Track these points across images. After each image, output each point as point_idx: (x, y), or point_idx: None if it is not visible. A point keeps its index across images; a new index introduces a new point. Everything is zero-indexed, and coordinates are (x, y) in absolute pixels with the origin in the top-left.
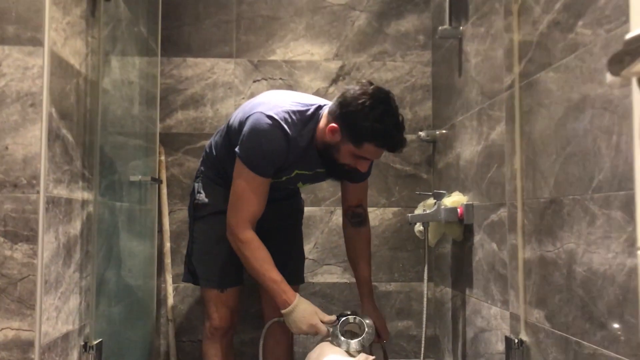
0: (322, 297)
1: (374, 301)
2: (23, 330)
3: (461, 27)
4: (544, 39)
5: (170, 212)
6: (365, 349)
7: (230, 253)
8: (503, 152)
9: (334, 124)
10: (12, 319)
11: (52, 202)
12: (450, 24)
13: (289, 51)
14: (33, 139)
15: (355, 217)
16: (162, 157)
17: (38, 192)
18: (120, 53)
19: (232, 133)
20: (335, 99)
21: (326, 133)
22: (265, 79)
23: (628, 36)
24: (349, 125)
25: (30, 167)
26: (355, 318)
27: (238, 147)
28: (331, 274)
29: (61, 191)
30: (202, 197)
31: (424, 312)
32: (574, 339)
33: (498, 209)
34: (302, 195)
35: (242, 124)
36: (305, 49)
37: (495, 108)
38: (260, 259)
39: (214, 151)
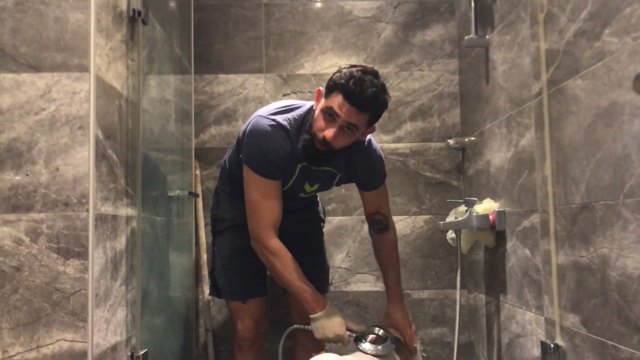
0: (356, 305)
1: (404, 306)
2: (77, 341)
3: (487, 36)
4: (570, 47)
5: (205, 225)
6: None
7: (250, 264)
8: (533, 158)
9: (320, 88)
10: (67, 331)
11: (100, 219)
12: (476, 33)
13: (317, 64)
14: (82, 160)
15: (375, 224)
16: (197, 171)
17: (87, 210)
18: (156, 73)
19: (240, 145)
20: None
21: (314, 103)
22: (295, 93)
23: None
24: (327, 83)
25: (80, 187)
26: (380, 330)
27: (242, 153)
28: (364, 283)
29: (108, 208)
30: (219, 212)
31: (457, 318)
32: (611, 343)
33: (530, 215)
34: (333, 205)
35: (245, 132)
36: (332, 62)
37: (524, 115)
38: (290, 268)
39: (227, 165)
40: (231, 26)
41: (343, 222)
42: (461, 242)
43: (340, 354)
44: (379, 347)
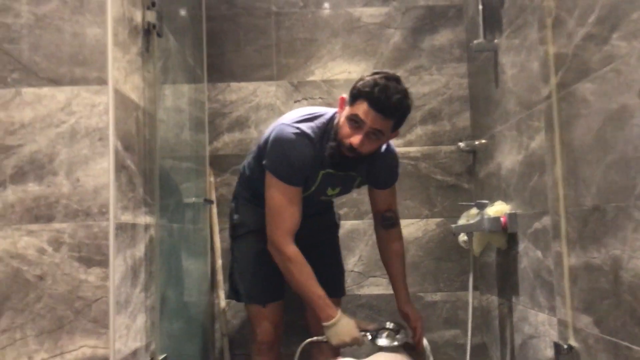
0: (369, 308)
1: (410, 301)
2: (99, 348)
3: (496, 40)
4: (579, 51)
5: (220, 231)
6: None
7: (269, 269)
8: (544, 161)
9: (343, 96)
10: (89, 337)
11: (120, 228)
12: (484, 37)
13: (327, 71)
14: (102, 171)
15: (385, 220)
16: (212, 178)
17: (108, 220)
18: (171, 83)
19: (262, 152)
20: None
21: (337, 111)
22: (306, 99)
23: None
24: (351, 90)
25: (101, 197)
26: (391, 324)
27: (265, 159)
28: (377, 286)
29: (127, 217)
30: (238, 217)
31: (469, 320)
32: (624, 343)
33: (541, 217)
34: (345, 209)
35: (268, 140)
36: (342, 68)
37: (534, 118)
38: (305, 274)
39: (247, 171)
40: (242, 35)
41: (355, 226)
42: (473, 244)
43: (355, 356)
44: (395, 342)
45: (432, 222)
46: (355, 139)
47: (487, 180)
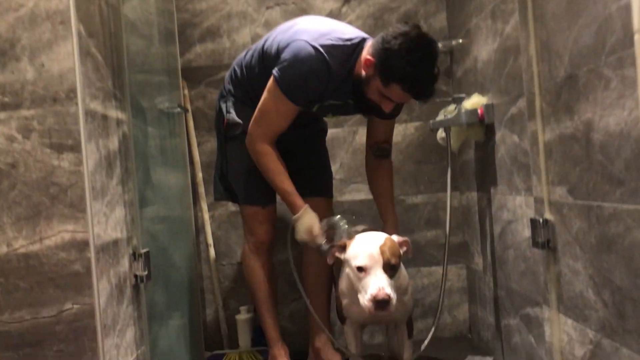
0: (352, 214)
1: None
2: (78, 232)
3: None
4: None
5: (199, 144)
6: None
7: None
8: (518, 43)
9: (370, 57)
10: (67, 222)
11: (90, 115)
12: None
13: None
14: (66, 55)
15: (380, 151)
16: (186, 91)
17: (77, 104)
18: None
19: (267, 57)
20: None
21: (362, 65)
22: (278, 5)
23: None
24: (382, 62)
25: (67, 81)
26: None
27: (277, 69)
28: (358, 192)
29: (97, 106)
30: (232, 116)
31: (448, 209)
32: (596, 203)
33: (517, 101)
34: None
35: (281, 49)
36: None
37: (507, 1)
38: (274, 170)
39: (244, 71)
40: None
41: (335, 134)
42: (451, 140)
43: None
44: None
45: (411, 126)
46: (387, 107)
47: (464, 77)
